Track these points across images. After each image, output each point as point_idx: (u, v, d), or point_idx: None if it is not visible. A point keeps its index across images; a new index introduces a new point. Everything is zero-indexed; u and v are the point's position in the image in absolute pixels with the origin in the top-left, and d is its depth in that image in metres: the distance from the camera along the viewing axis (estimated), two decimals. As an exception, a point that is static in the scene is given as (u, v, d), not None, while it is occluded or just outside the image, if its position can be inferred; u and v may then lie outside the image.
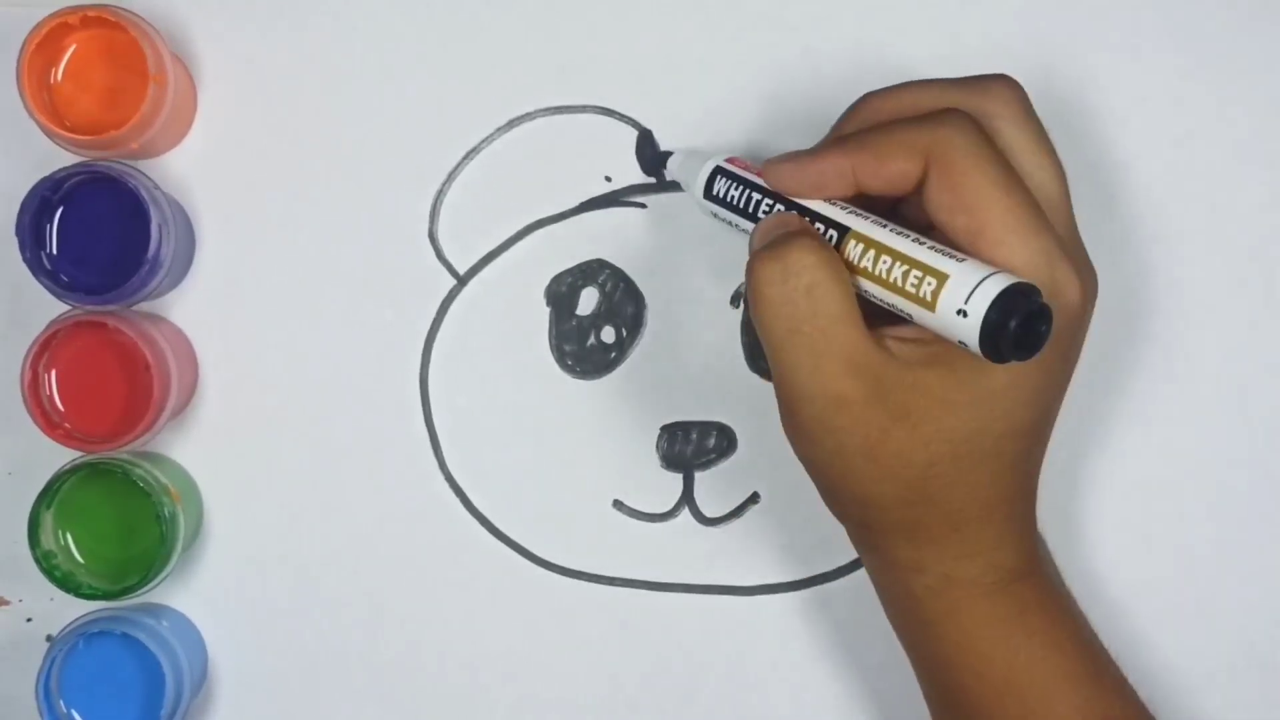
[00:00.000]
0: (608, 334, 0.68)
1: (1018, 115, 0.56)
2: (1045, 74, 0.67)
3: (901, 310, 0.55)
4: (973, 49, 0.67)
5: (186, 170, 0.67)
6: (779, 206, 0.59)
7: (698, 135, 0.67)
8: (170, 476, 0.65)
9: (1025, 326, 0.52)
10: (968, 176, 0.54)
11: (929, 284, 0.53)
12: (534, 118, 0.67)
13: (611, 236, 0.67)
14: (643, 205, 0.67)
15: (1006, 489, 0.58)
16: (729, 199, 0.61)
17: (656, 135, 0.67)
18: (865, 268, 0.55)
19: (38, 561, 0.63)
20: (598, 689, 0.68)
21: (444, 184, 0.67)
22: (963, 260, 0.53)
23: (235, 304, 0.67)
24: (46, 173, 0.62)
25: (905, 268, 0.54)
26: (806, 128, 0.67)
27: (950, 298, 0.53)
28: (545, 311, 0.68)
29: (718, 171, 0.62)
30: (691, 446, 0.67)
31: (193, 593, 0.67)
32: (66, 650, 0.63)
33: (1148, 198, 0.67)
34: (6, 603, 0.67)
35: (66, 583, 0.63)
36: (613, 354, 0.68)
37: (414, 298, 0.68)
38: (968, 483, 0.56)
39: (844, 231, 0.56)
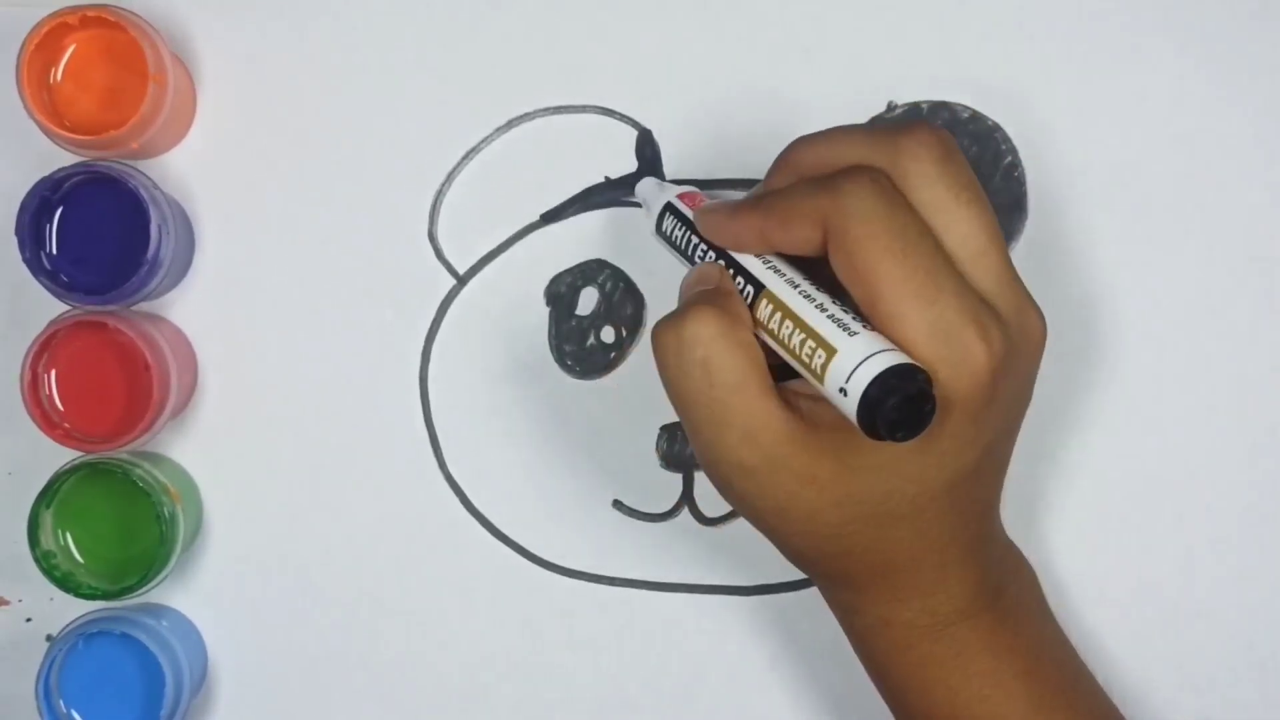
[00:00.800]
0: (608, 334, 0.68)
1: (932, 169, 0.54)
2: (1045, 74, 0.67)
3: (803, 374, 0.55)
4: (973, 49, 0.67)
5: (186, 170, 0.67)
6: (711, 254, 0.59)
7: (698, 135, 0.67)
8: (170, 476, 0.65)
9: (904, 409, 0.51)
10: (859, 246, 0.53)
11: (819, 356, 0.53)
12: (534, 118, 0.67)
13: (611, 236, 0.67)
14: (642, 205, 0.67)
15: (933, 543, 0.57)
16: (674, 239, 0.61)
17: (656, 135, 0.67)
18: (772, 329, 0.56)
19: (37, 561, 0.63)
20: (598, 689, 0.68)
21: (444, 184, 0.67)
22: (856, 335, 0.53)
23: (235, 304, 0.67)
24: (46, 173, 0.62)
25: (803, 336, 0.54)
26: (806, 128, 0.67)
27: (835, 373, 0.53)
28: (545, 311, 0.68)
29: (668, 208, 0.62)
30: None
31: (193, 593, 0.67)
32: (66, 650, 0.63)
33: (1148, 198, 0.67)
34: (6, 603, 0.67)
35: (66, 583, 0.63)
36: (613, 354, 0.68)
37: (414, 298, 0.68)
38: (888, 539, 0.56)
39: (759, 289, 0.56)
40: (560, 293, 0.67)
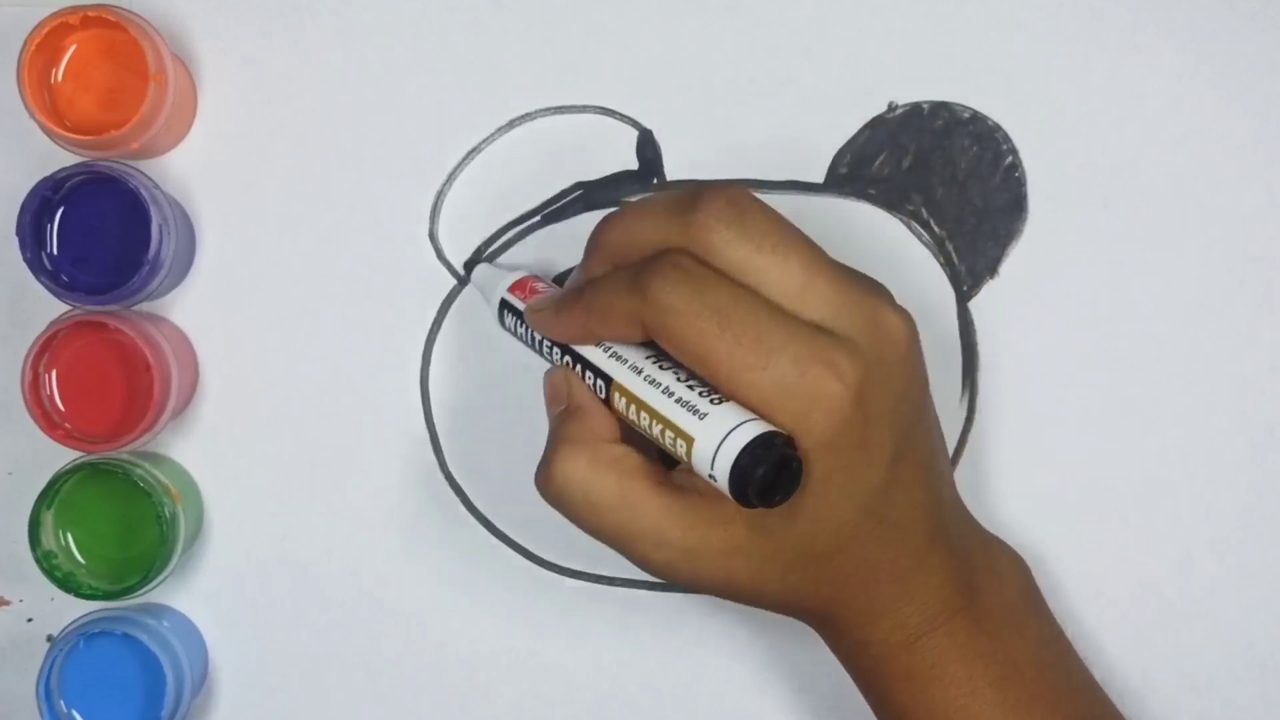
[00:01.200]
0: (608, 334, 0.67)
1: (728, 233, 0.55)
2: (1045, 74, 0.67)
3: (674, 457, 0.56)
4: (973, 49, 0.67)
5: (186, 170, 0.67)
6: (556, 350, 0.60)
7: (698, 135, 0.67)
8: (170, 476, 0.65)
9: (773, 475, 0.53)
10: (682, 336, 0.54)
11: (680, 446, 0.55)
12: (534, 118, 0.67)
13: (612, 236, 0.67)
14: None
15: (880, 559, 0.58)
16: (519, 334, 0.62)
17: (656, 135, 0.67)
18: (634, 420, 0.57)
19: (38, 561, 0.63)
20: (598, 689, 0.68)
21: (444, 184, 0.67)
22: (706, 416, 0.54)
23: (235, 304, 0.67)
24: (46, 173, 0.62)
25: (660, 426, 0.56)
26: (807, 129, 0.67)
27: (698, 461, 0.54)
28: (545, 311, 0.68)
29: (504, 305, 0.63)
30: (691, 446, 0.67)
31: (193, 593, 0.67)
32: (67, 650, 0.63)
33: (1148, 198, 0.67)
34: (7, 603, 0.67)
35: (67, 583, 0.63)
36: (613, 354, 0.67)
37: (414, 298, 0.68)
38: (832, 574, 0.58)
39: (610, 382, 0.57)
40: (560, 293, 0.67)
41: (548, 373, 0.61)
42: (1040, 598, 0.63)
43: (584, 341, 0.59)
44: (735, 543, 0.57)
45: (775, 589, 0.58)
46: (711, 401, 0.55)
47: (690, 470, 0.56)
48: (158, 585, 0.64)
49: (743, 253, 0.55)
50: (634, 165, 0.67)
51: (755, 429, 0.54)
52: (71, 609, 0.65)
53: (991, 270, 0.67)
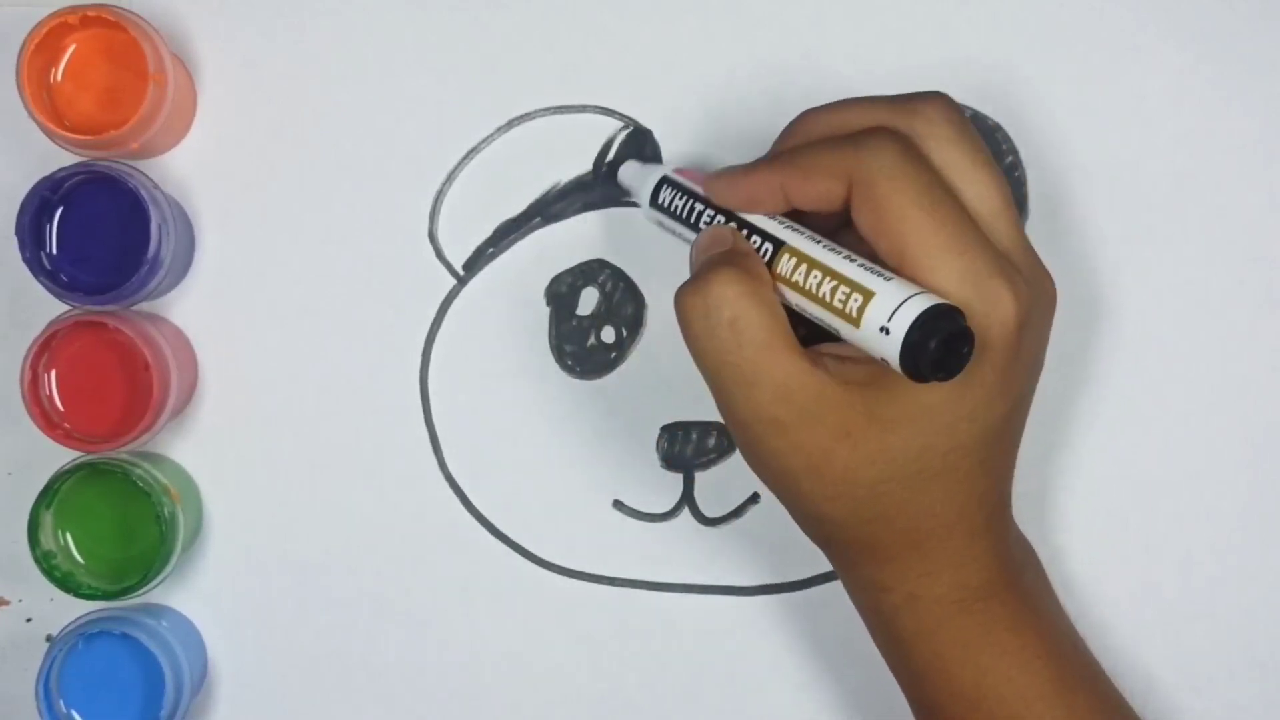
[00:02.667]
0: (608, 334, 0.68)
1: (949, 132, 0.56)
2: (1045, 74, 0.67)
3: (830, 325, 0.55)
4: (972, 49, 0.67)
5: (186, 170, 0.67)
6: (720, 218, 0.59)
7: (698, 135, 0.67)
8: (170, 476, 0.65)
9: (946, 348, 0.52)
10: (888, 199, 0.54)
11: (855, 300, 0.54)
12: (534, 118, 0.67)
13: (611, 236, 0.67)
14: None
15: (964, 505, 0.57)
16: (673, 209, 0.61)
17: (656, 135, 0.67)
18: (797, 282, 0.56)
19: (37, 561, 0.63)
20: (598, 689, 0.68)
21: (444, 184, 0.67)
22: (890, 279, 0.54)
23: (235, 304, 0.67)
24: (46, 173, 0.62)
25: (834, 283, 0.55)
26: (806, 128, 0.67)
27: (874, 315, 0.53)
28: (545, 311, 0.68)
29: (664, 181, 0.62)
30: (691, 447, 0.67)
31: (193, 593, 0.67)
32: (66, 650, 0.63)
33: (1148, 198, 0.67)
34: (6, 603, 0.67)
35: (66, 583, 0.63)
36: (613, 354, 0.68)
37: (414, 298, 0.68)
38: (920, 501, 0.56)
39: (779, 245, 0.57)
40: (560, 293, 0.67)
41: (704, 230, 0.59)
42: (1055, 594, 0.64)
43: (768, 206, 0.57)
44: (850, 427, 0.55)
45: (860, 495, 0.56)
46: (894, 274, 0.54)
47: (825, 354, 0.56)
48: (157, 585, 0.64)
49: (955, 156, 0.56)
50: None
51: (938, 300, 0.53)
52: (71, 609, 0.65)
53: (991, 270, 0.67)
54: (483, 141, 0.67)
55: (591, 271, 0.67)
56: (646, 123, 0.67)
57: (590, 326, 0.68)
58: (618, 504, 0.68)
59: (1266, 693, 0.67)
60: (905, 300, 0.53)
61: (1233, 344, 0.67)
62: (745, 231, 0.58)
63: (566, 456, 0.68)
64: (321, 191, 0.67)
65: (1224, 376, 0.67)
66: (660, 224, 0.62)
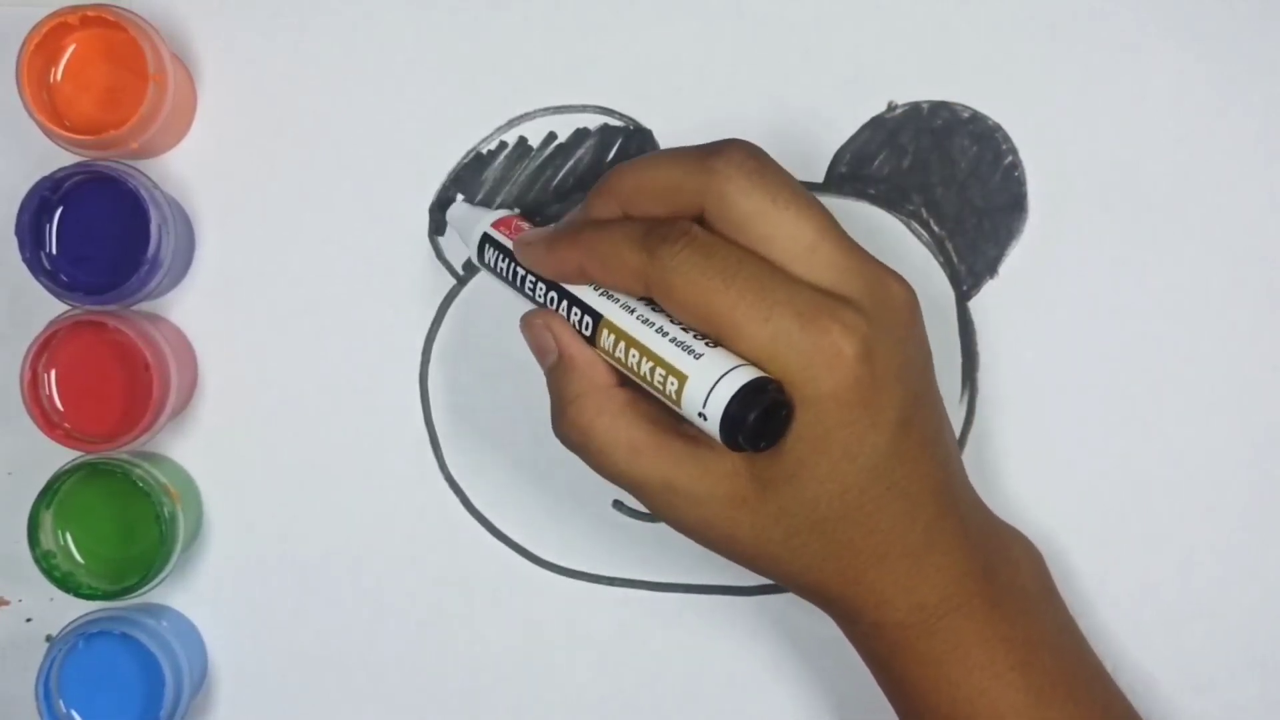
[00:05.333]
0: (608, 334, 0.67)
1: (745, 184, 0.56)
2: (1045, 74, 0.67)
3: (660, 399, 0.56)
4: (973, 49, 0.67)
5: (186, 170, 0.67)
6: (541, 285, 0.60)
7: (698, 135, 0.67)
8: (170, 476, 0.65)
9: (765, 419, 0.54)
10: (685, 295, 0.55)
11: (672, 384, 0.55)
12: (534, 118, 0.67)
13: (611, 236, 0.67)
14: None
15: (888, 534, 0.57)
16: (499, 270, 0.62)
17: (656, 135, 0.67)
18: (620, 359, 0.57)
19: (37, 561, 0.63)
20: (598, 689, 0.68)
21: (444, 184, 0.67)
22: (701, 356, 0.55)
23: (235, 304, 0.67)
24: (46, 173, 0.62)
25: (651, 364, 0.56)
26: (807, 128, 0.67)
27: (691, 397, 0.55)
28: (545, 311, 0.68)
29: (486, 238, 0.63)
30: (691, 446, 0.67)
31: (192, 593, 0.67)
32: (66, 650, 0.63)
33: (1148, 198, 0.67)
34: (6, 603, 0.67)
35: (66, 583, 0.63)
36: (613, 354, 0.68)
37: (414, 298, 0.68)
38: (840, 541, 0.57)
39: (597, 320, 0.58)
40: (560, 293, 0.67)
41: (525, 316, 0.60)
42: (1054, 586, 0.63)
43: (576, 281, 0.59)
44: (740, 494, 0.57)
45: (779, 553, 0.57)
46: (706, 344, 0.55)
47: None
48: (157, 585, 0.64)
49: (758, 204, 0.56)
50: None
51: (750, 373, 0.54)
52: (70, 609, 0.65)
53: (991, 270, 0.67)
54: (482, 141, 0.67)
55: (591, 271, 0.67)
56: (646, 123, 0.67)
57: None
58: (618, 504, 0.68)
59: (1266, 693, 0.67)
60: (716, 382, 0.54)
61: (1233, 344, 0.67)
62: (565, 301, 0.59)
63: (566, 456, 0.67)
64: (321, 191, 0.67)
65: (1224, 376, 0.67)
66: (492, 278, 0.63)
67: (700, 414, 0.55)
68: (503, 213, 0.63)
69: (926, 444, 0.58)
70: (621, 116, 0.67)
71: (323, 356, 0.67)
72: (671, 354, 0.55)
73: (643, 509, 0.68)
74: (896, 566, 0.58)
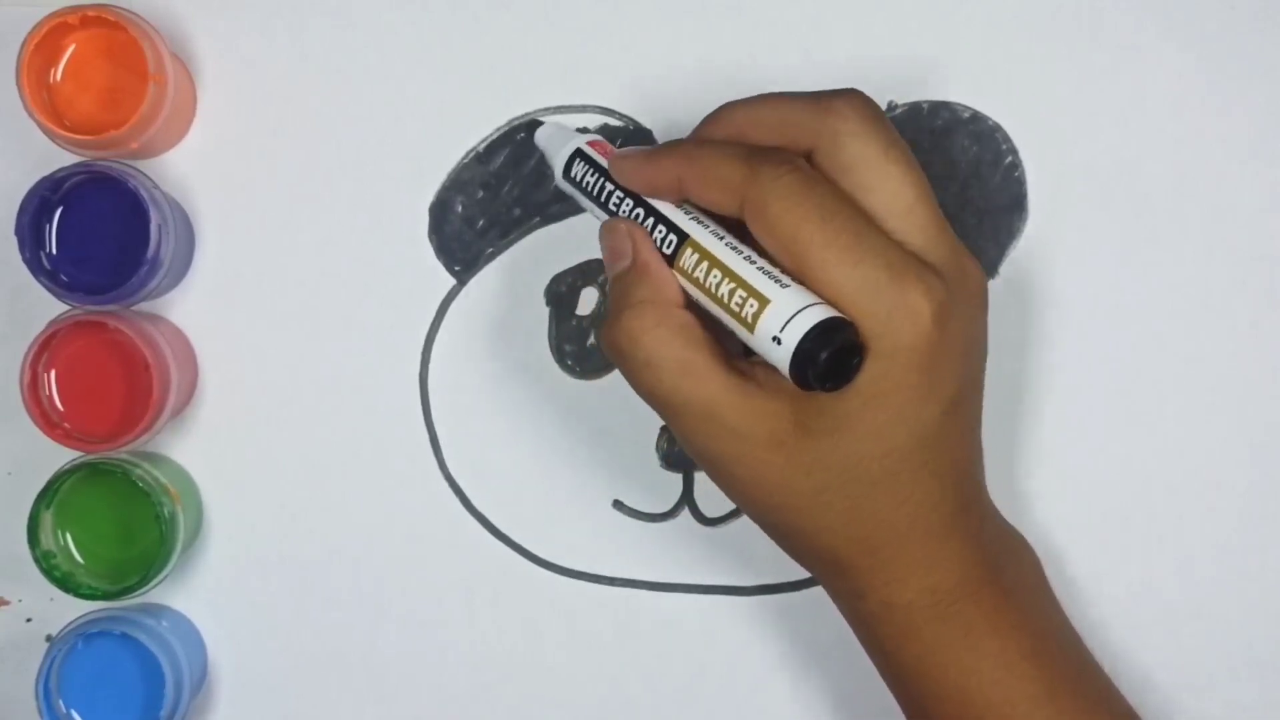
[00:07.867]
0: (608, 334, 0.68)
1: (861, 129, 0.56)
2: (1045, 74, 0.67)
3: (728, 324, 0.56)
4: (973, 49, 0.67)
5: (186, 170, 0.67)
6: (629, 201, 0.59)
7: (698, 135, 0.67)
8: (170, 476, 0.65)
9: (836, 360, 0.53)
10: (780, 218, 0.54)
11: (751, 306, 0.55)
12: (534, 118, 0.67)
13: (611, 236, 0.67)
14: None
15: (915, 511, 0.57)
16: (585, 184, 0.61)
17: (656, 135, 0.67)
18: (698, 278, 0.56)
19: (37, 561, 0.63)
20: (598, 689, 0.68)
21: (444, 184, 0.67)
22: (787, 286, 0.54)
23: (235, 304, 0.67)
24: (46, 173, 0.62)
25: (733, 285, 0.55)
26: (806, 128, 0.67)
27: (768, 323, 0.54)
28: (545, 311, 0.68)
29: (578, 154, 0.61)
30: (691, 446, 0.67)
31: (193, 593, 0.67)
32: (66, 650, 0.63)
33: (1148, 198, 0.67)
34: (6, 603, 0.67)
35: (66, 583, 0.63)
36: (613, 354, 0.67)
37: (414, 298, 0.68)
38: (865, 509, 0.56)
39: (683, 239, 0.57)
40: (560, 293, 0.67)
41: (607, 221, 0.59)
42: (1051, 589, 0.63)
43: (667, 195, 0.58)
44: (779, 438, 0.56)
45: (801, 505, 0.57)
46: (792, 280, 0.55)
47: (756, 363, 0.56)
48: (157, 585, 0.64)
49: (871, 151, 0.55)
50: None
51: (831, 311, 0.54)
52: (70, 609, 0.65)
53: (992, 270, 0.67)
54: (482, 141, 0.67)
55: (591, 271, 0.67)
56: (646, 123, 0.67)
57: (590, 326, 0.68)
58: (618, 504, 0.68)
59: (1266, 693, 0.67)
60: (798, 312, 0.54)
61: (1233, 344, 0.67)
62: (651, 219, 0.58)
63: (566, 456, 0.68)
64: (321, 191, 0.67)
65: (1224, 376, 0.67)
66: (573, 195, 0.62)
67: (775, 338, 0.54)
68: (593, 135, 0.63)
69: (967, 431, 0.58)
70: (621, 116, 0.67)
71: (323, 356, 0.67)
72: (757, 279, 0.55)
73: (643, 509, 0.68)
74: (915, 547, 0.57)
